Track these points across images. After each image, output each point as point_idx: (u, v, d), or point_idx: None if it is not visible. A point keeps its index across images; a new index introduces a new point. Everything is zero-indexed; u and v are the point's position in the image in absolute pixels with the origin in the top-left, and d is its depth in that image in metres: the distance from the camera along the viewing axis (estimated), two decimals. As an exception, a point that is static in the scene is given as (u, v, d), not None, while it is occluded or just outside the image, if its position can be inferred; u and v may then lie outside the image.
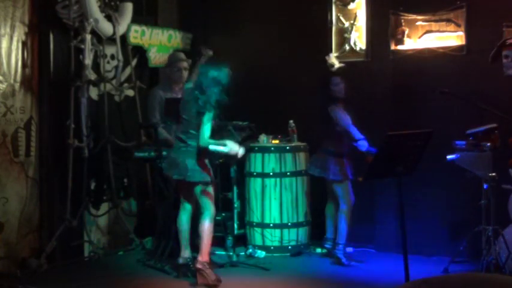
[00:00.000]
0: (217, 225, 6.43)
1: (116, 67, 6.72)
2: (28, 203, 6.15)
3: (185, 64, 6.51)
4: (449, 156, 5.58)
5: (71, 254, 6.31)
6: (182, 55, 6.64)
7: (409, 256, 4.40)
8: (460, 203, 6.16)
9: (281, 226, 6.51)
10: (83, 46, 6.28)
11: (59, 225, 6.19)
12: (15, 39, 6.04)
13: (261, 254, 6.45)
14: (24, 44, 6.11)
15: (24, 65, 6.11)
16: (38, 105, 6.24)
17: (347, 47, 6.80)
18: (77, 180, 6.31)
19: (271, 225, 6.52)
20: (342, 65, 6.18)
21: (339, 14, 6.83)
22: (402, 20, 6.45)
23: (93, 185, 6.60)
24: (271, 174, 6.53)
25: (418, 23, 6.42)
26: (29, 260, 6.00)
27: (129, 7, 6.78)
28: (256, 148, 6.61)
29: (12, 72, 6.03)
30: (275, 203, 6.53)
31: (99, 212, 6.64)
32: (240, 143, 5.82)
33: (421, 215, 6.31)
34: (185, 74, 6.48)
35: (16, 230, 6.04)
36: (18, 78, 6.07)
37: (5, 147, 5.98)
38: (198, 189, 5.54)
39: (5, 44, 5.96)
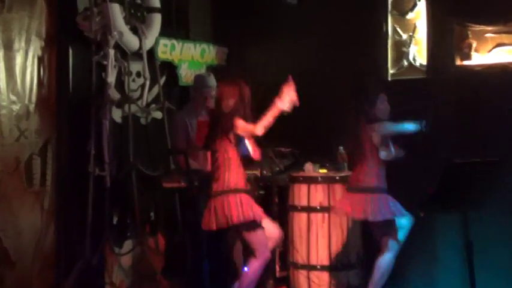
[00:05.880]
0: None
1: (142, 86, 6.53)
2: (43, 237, 5.94)
3: (213, 92, 6.08)
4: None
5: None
6: (210, 81, 6.28)
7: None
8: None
9: (330, 268, 6.06)
10: (105, 62, 6.11)
11: (77, 262, 5.90)
12: (30, 54, 5.89)
13: None
14: (40, 59, 5.96)
15: (40, 84, 5.95)
16: (55, 128, 6.06)
17: (405, 63, 6.49)
18: (97, 213, 6.05)
19: (318, 267, 6.06)
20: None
21: (395, 25, 6.54)
22: (469, 32, 6.14)
23: (115, 220, 6.34)
24: (318, 208, 6.07)
25: (488, 34, 6.07)
26: (43, 300, 5.79)
27: (157, 18, 6.59)
28: (300, 178, 6.20)
29: (27, 91, 5.86)
30: (322, 241, 6.09)
31: (123, 250, 6.34)
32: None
33: (491, 254, 5.84)
34: (211, 102, 6.03)
35: (29, 267, 5.81)
36: (34, 98, 5.90)
37: (18, 175, 5.77)
38: None
39: (19, 60, 5.79)
